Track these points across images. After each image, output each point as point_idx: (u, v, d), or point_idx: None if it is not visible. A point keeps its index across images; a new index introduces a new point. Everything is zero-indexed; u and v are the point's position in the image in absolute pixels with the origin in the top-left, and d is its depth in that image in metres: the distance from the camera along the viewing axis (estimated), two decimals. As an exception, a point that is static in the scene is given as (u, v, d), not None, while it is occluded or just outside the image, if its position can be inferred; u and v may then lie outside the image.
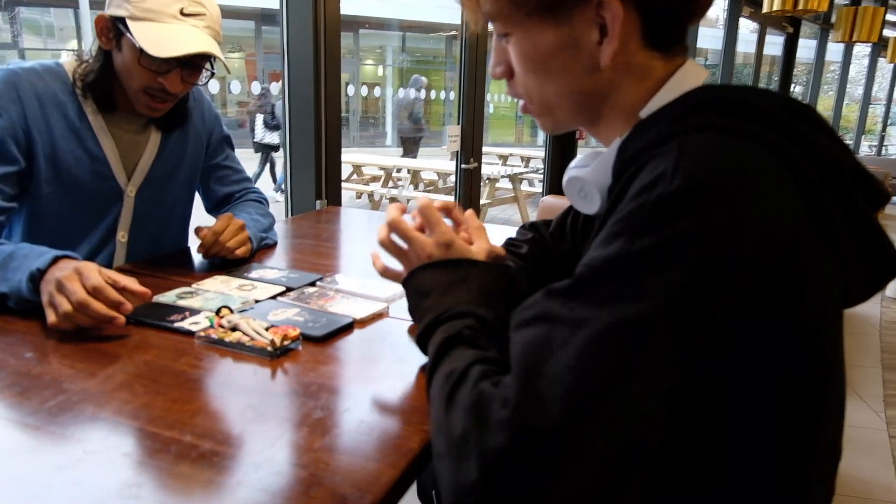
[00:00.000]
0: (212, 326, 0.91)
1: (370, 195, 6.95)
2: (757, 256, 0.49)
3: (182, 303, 1.02)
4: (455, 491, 0.48)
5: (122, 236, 1.30)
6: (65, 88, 1.18)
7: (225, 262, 1.25)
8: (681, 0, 0.60)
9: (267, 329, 0.89)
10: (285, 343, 0.87)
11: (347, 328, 0.97)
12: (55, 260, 0.93)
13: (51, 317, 0.88)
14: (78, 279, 0.88)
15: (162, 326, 0.93)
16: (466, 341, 0.62)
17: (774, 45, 8.14)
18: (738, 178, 0.50)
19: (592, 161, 0.67)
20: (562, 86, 0.64)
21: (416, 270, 0.77)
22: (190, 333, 0.91)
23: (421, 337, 0.70)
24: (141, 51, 1.09)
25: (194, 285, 1.11)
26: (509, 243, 0.99)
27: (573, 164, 0.72)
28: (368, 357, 0.90)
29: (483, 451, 0.46)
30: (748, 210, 0.49)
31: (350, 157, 7.96)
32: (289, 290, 1.12)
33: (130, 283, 0.92)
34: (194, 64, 1.17)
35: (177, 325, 0.93)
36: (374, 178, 7.77)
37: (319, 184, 2.89)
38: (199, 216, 1.57)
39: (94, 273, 0.90)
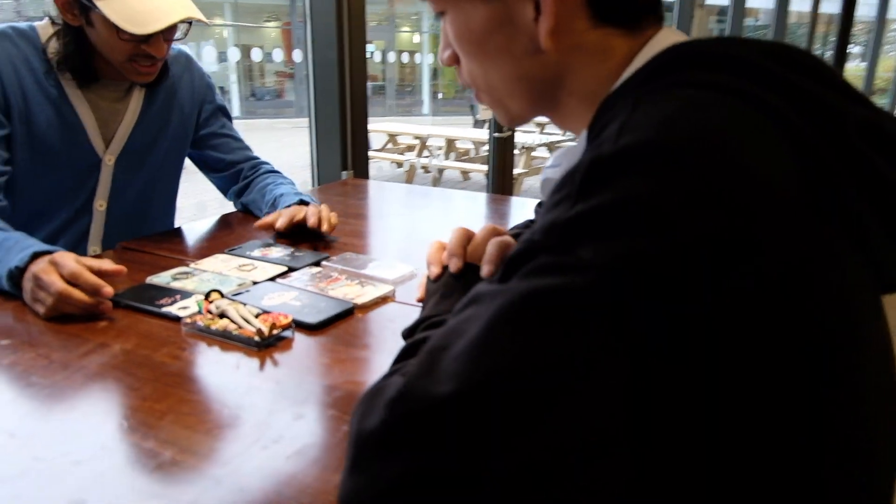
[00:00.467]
0: (199, 312, 0.84)
1: (398, 164, 6.86)
2: (725, 229, 0.38)
3: (175, 284, 0.96)
4: (340, 484, 0.40)
5: (99, 205, 1.26)
6: (38, 54, 1.14)
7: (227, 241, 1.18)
8: None
9: (257, 316, 0.82)
10: (274, 332, 0.79)
11: (347, 314, 0.89)
12: (34, 256, 0.88)
13: (38, 311, 0.85)
14: (54, 270, 0.85)
15: (149, 311, 0.87)
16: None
17: (831, 2, 7.65)
18: (703, 132, 0.40)
19: (565, 159, 0.57)
20: (504, 70, 0.55)
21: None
22: (177, 319, 0.85)
23: (405, 343, 0.62)
24: (118, 26, 1.03)
25: (192, 265, 1.05)
26: (515, 233, 0.89)
27: (547, 164, 0.62)
28: (366, 348, 0.82)
29: (359, 433, 0.39)
30: (716, 169, 0.39)
31: (385, 125, 7.86)
32: (291, 270, 1.05)
33: (105, 265, 0.88)
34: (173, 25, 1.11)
35: (164, 309, 0.87)
36: (410, 148, 7.67)
37: (345, 154, 2.82)
38: (194, 192, 1.51)
39: (70, 261, 0.85)
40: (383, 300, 0.95)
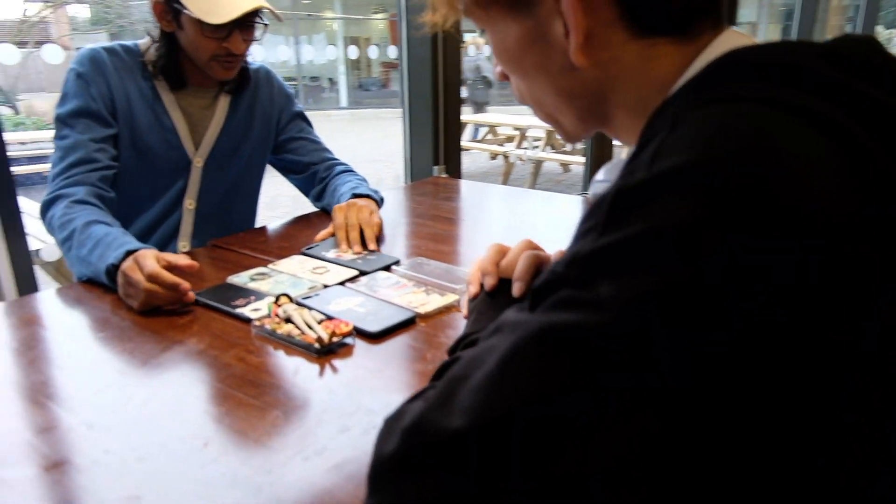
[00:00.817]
0: (268, 315, 0.88)
1: (505, 156, 6.83)
2: (758, 256, 0.34)
3: (252, 285, 1.01)
4: None
5: (189, 203, 1.37)
6: (139, 66, 1.28)
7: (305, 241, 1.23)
8: None
9: (320, 322, 0.85)
10: (334, 339, 0.82)
11: (408, 324, 0.90)
12: (126, 254, 0.97)
13: (132, 305, 0.94)
14: (138, 269, 0.92)
15: (225, 311, 0.93)
16: None
17: None
18: (746, 157, 0.36)
19: (613, 174, 0.54)
20: (545, 87, 0.53)
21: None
22: (248, 321, 0.89)
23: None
24: (201, 23, 1.17)
25: (270, 266, 1.10)
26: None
27: (597, 176, 0.59)
28: (423, 359, 0.82)
29: (377, 457, 0.41)
30: (753, 191, 0.35)
31: (485, 116, 7.85)
32: (362, 274, 1.07)
33: (181, 260, 0.96)
34: (248, 22, 1.24)
35: (238, 310, 0.92)
36: (510, 139, 7.61)
37: (437, 149, 2.84)
38: (278, 195, 1.57)
39: (150, 260, 0.92)
40: (447, 310, 0.95)
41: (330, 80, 17.71)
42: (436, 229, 1.36)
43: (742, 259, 0.34)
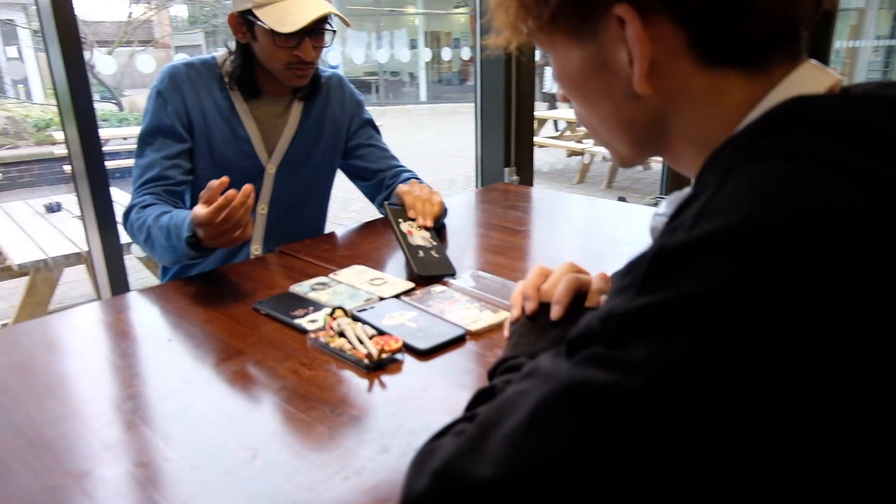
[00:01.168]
0: (323, 328, 0.91)
1: (582, 153, 6.70)
2: (803, 341, 0.33)
3: (312, 295, 1.05)
4: None
5: (262, 209, 1.44)
6: (216, 79, 1.36)
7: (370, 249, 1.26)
8: (734, 7, 0.43)
9: (371, 337, 0.87)
10: (383, 356, 0.84)
11: (458, 341, 0.91)
12: (191, 222, 1.08)
13: (231, 242, 1.06)
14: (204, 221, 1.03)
15: (284, 321, 0.97)
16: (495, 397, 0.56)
17: None
18: (787, 227, 0.34)
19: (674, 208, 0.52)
20: (605, 114, 0.52)
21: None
22: (305, 332, 0.93)
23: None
24: (273, 32, 1.23)
25: (331, 275, 1.14)
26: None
27: (658, 209, 0.57)
28: (469, 379, 0.83)
29: (408, 493, 0.43)
30: (793, 271, 0.34)
31: (564, 112, 7.73)
32: (419, 284, 1.09)
33: (214, 184, 1.04)
34: (317, 30, 1.30)
35: (296, 321, 0.95)
36: (588, 135, 7.46)
37: (508, 149, 2.83)
38: (346, 200, 1.61)
39: (200, 209, 1.03)
40: (498, 327, 0.95)
41: (410, 74, 17.93)
42: (498, 240, 1.36)
43: (771, 329, 0.33)
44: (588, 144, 6.75)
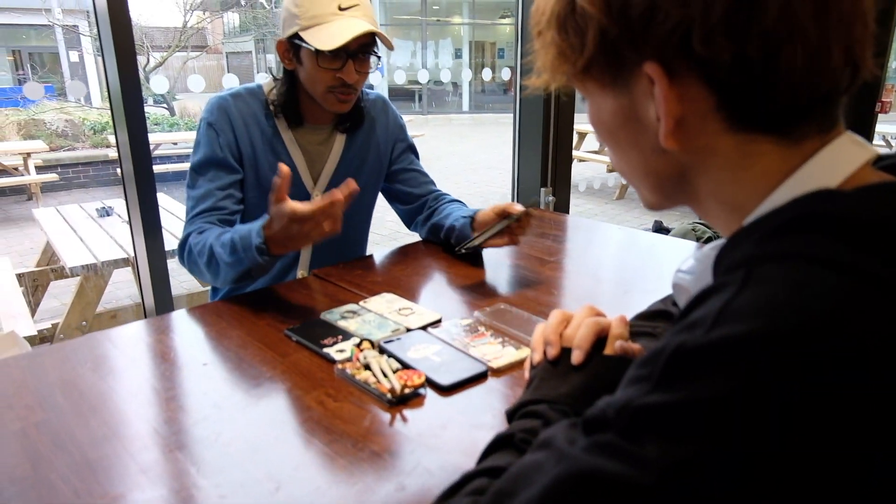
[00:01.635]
0: (350, 359, 0.95)
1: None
2: (814, 450, 0.35)
3: (342, 323, 1.09)
4: None
5: None
6: (262, 108, 1.41)
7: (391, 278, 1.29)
8: (761, 75, 0.43)
9: (395, 371, 0.90)
10: (406, 391, 0.86)
11: (479, 377, 0.93)
12: (262, 229, 1.14)
13: (307, 241, 1.12)
14: (283, 218, 1.10)
15: (313, 350, 1.00)
16: (513, 446, 0.60)
17: None
18: (804, 339, 0.35)
19: (700, 267, 0.53)
20: (634, 163, 0.54)
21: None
22: (333, 361, 0.96)
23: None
24: (317, 53, 1.26)
25: (361, 303, 1.17)
26: (638, 328, 0.85)
27: (681, 265, 0.58)
28: (488, 417, 0.85)
29: None
30: (811, 384, 0.35)
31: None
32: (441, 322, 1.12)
33: (280, 183, 1.11)
34: (361, 53, 1.32)
35: (325, 350, 0.99)
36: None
37: (545, 169, 2.82)
38: (379, 220, 1.64)
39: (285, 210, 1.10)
40: (520, 364, 0.97)
41: (454, 84, 18.05)
42: (527, 271, 1.38)
43: (783, 437, 0.35)
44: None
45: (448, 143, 11.37)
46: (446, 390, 0.89)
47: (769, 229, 0.43)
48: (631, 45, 0.46)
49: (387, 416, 0.84)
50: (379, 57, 1.37)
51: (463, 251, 1.34)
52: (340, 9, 1.27)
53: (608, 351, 0.74)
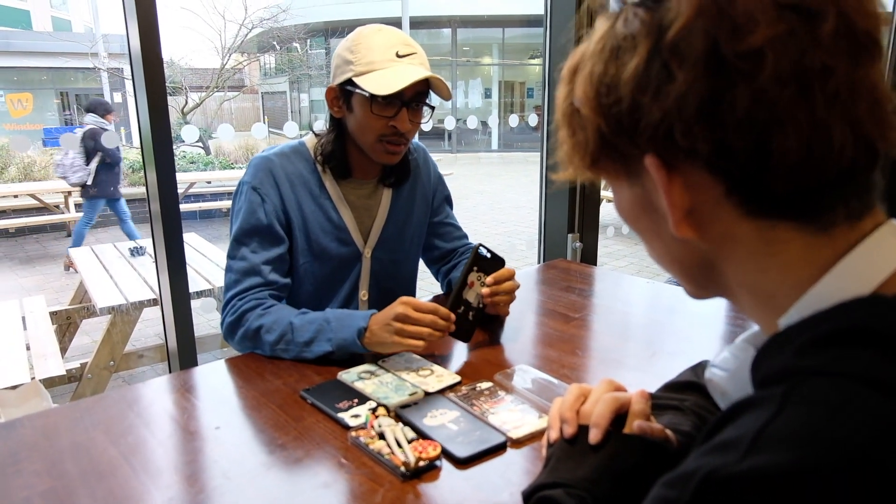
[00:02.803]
0: (365, 426, 0.92)
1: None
2: None
3: (358, 385, 1.06)
4: None
5: (363, 295, 1.43)
6: (308, 166, 1.35)
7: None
8: (755, 160, 0.41)
9: (410, 442, 0.87)
10: (420, 464, 0.83)
11: (498, 449, 0.89)
12: (368, 315, 1.14)
13: (407, 344, 1.11)
14: (410, 313, 1.11)
15: (328, 414, 0.98)
16: None
17: None
18: (841, 474, 0.33)
19: (734, 363, 0.50)
20: (660, 251, 0.52)
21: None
22: (348, 427, 0.94)
23: None
24: (372, 98, 1.21)
25: (380, 362, 1.15)
26: (661, 400, 0.80)
27: (716, 359, 0.54)
28: (507, 495, 0.81)
29: None
30: None
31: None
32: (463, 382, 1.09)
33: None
34: (415, 103, 1.26)
35: (339, 415, 0.97)
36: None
37: (573, 215, 2.79)
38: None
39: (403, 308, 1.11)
40: (540, 434, 0.93)
41: (483, 123, 18.27)
42: (550, 328, 1.34)
43: None
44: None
45: (476, 181, 11.43)
46: (463, 463, 0.86)
47: (809, 339, 0.40)
48: (627, 141, 0.45)
49: (400, 491, 0.80)
50: (433, 108, 1.32)
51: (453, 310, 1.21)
52: (398, 56, 1.23)
53: (628, 429, 0.70)
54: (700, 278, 0.52)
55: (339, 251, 1.37)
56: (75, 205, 7.01)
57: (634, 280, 1.75)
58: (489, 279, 1.25)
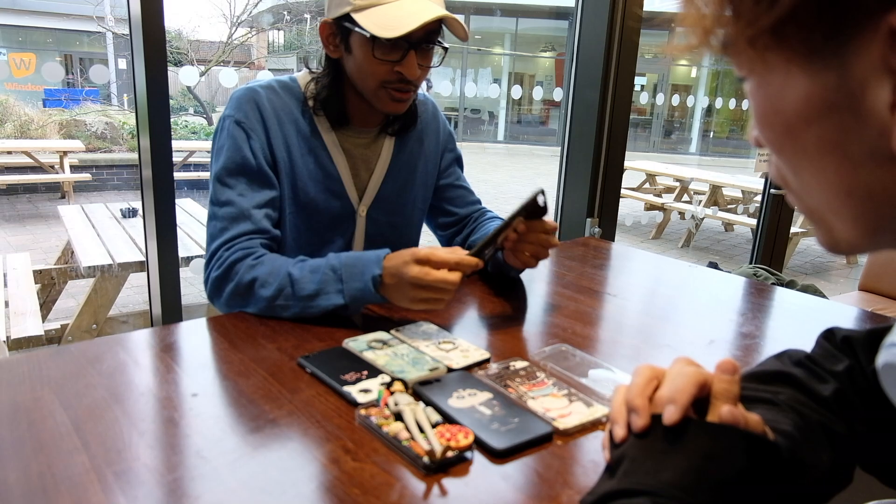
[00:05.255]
0: (377, 403, 0.74)
1: (662, 208, 6.39)
2: None
3: (368, 355, 0.88)
4: None
5: None
6: (299, 104, 1.15)
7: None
8: None
9: (435, 426, 0.69)
10: (449, 454, 0.65)
11: (543, 441, 0.71)
12: (382, 257, 0.97)
13: (434, 306, 0.96)
14: (430, 268, 0.93)
15: (331, 386, 0.80)
16: None
17: None
18: None
19: None
20: (832, 177, 0.35)
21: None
22: (355, 404, 0.76)
23: None
24: (374, 40, 1.02)
25: (393, 331, 0.97)
26: (756, 389, 0.63)
27: (892, 338, 0.37)
28: (556, 499, 0.63)
29: None
30: None
31: (645, 164, 7.46)
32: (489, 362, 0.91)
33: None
34: (425, 43, 1.07)
35: (346, 388, 0.79)
36: (668, 189, 7.15)
37: (593, 200, 2.64)
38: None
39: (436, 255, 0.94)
40: (592, 426, 0.75)
41: (490, 113, 18.05)
42: (583, 306, 1.17)
43: None
44: (668, 200, 6.45)
45: (481, 171, 11.24)
46: (500, 456, 0.68)
47: None
48: None
49: (420, 487, 0.63)
50: (446, 48, 1.12)
51: (480, 257, 1.01)
52: None
53: (713, 417, 0.52)
54: (882, 220, 0.34)
55: (329, 205, 1.17)
56: (70, 167, 6.81)
57: (674, 262, 1.57)
58: (521, 227, 1.05)
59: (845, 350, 0.64)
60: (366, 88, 1.10)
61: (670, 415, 0.52)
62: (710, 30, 0.34)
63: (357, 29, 1.03)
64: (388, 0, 1.02)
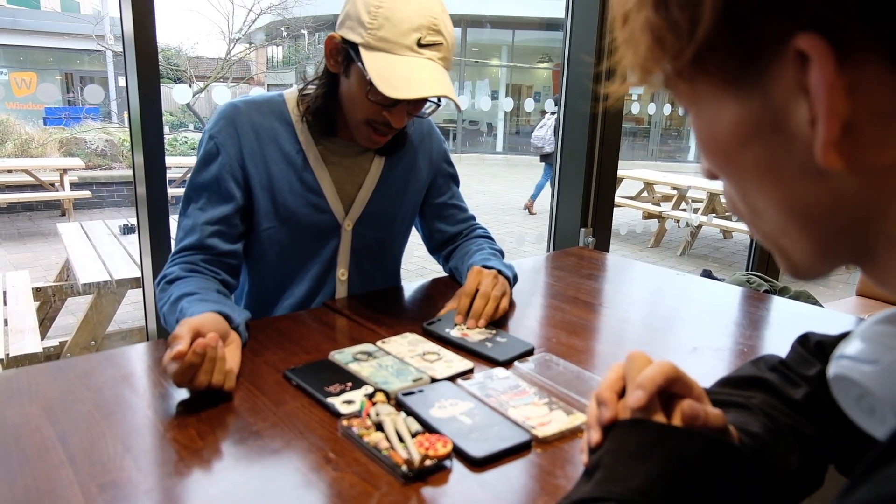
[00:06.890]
0: (359, 414, 0.76)
1: (660, 217, 6.41)
2: None
3: (353, 367, 0.90)
4: None
5: (341, 273, 1.23)
6: (282, 120, 1.15)
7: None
8: None
9: (415, 435, 0.70)
10: (427, 463, 0.67)
11: (521, 449, 0.73)
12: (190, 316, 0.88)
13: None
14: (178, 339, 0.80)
15: (315, 398, 0.81)
16: None
17: None
18: None
19: (887, 355, 0.34)
20: (770, 196, 0.35)
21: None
22: (338, 415, 0.77)
23: None
24: (370, 84, 1.00)
25: (379, 343, 0.98)
26: (730, 393, 0.65)
27: (850, 348, 0.38)
28: (533, 507, 0.65)
29: None
30: None
31: (642, 172, 7.49)
32: (495, 363, 0.93)
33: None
34: (419, 99, 1.06)
35: (329, 399, 0.80)
36: (667, 198, 7.17)
37: (586, 210, 2.65)
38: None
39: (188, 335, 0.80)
40: (571, 434, 0.77)
41: (489, 124, 18.13)
42: (572, 316, 1.18)
43: None
44: (665, 208, 6.47)
45: (480, 182, 11.28)
46: (479, 465, 0.69)
47: None
48: (776, 12, 0.30)
49: (400, 496, 0.64)
50: (438, 104, 1.12)
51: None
52: (419, 45, 1.00)
53: (677, 420, 0.54)
54: (829, 237, 0.35)
55: (312, 218, 1.16)
56: (70, 184, 6.85)
57: (662, 271, 1.58)
58: (469, 321, 1.08)
59: (818, 355, 0.65)
60: (350, 117, 1.11)
61: (635, 400, 0.53)
62: (648, 68, 0.36)
63: (360, 64, 1.01)
64: (397, 52, 0.99)
